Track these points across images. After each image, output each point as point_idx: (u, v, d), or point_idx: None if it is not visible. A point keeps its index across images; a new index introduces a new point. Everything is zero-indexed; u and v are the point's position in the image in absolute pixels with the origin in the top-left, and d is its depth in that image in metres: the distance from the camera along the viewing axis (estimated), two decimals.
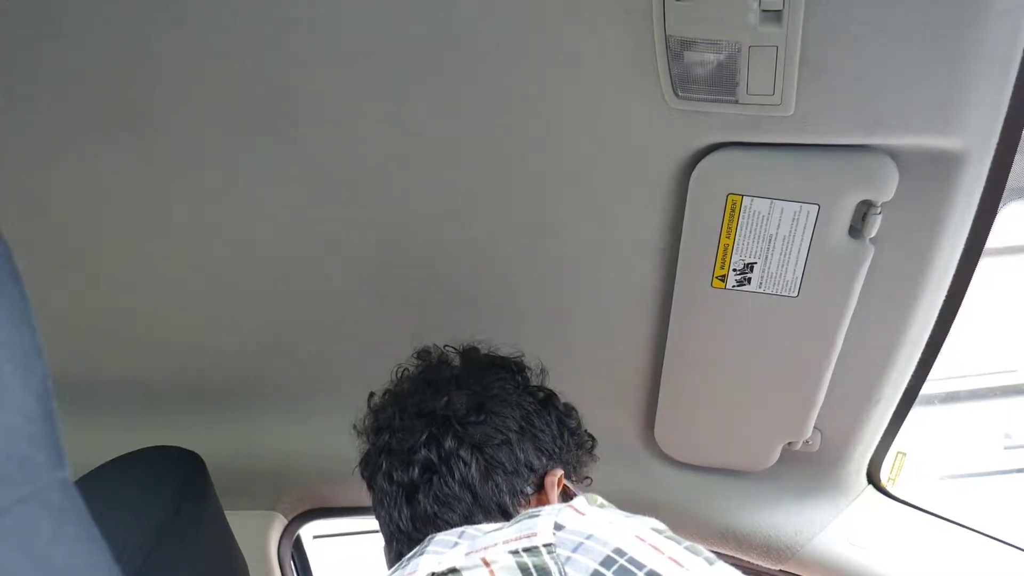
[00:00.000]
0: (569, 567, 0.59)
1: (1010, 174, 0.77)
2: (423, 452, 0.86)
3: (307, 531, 1.50)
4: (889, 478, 1.23)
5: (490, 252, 0.98)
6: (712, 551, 0.64)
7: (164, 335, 1.15)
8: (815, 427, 1.10)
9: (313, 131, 0.84)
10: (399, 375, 0.96)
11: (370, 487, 0.91)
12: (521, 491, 0.86)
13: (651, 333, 1.03)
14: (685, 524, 1.28)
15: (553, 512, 0.65)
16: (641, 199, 0.87)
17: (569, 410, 0.97)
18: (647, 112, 0.75)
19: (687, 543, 0.63)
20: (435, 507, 0.84)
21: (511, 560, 0.60)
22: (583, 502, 0.68)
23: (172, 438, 1.03)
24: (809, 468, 1.19)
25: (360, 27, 0.74)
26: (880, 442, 1.14)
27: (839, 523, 1.21)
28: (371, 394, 0.96)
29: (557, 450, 0.91)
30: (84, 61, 0.78)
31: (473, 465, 0.85)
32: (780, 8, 0.62)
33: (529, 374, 0.98)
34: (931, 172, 0.76)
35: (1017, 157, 0.75)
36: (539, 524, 0.63)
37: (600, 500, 0.70)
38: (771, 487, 1.23)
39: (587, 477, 1.01)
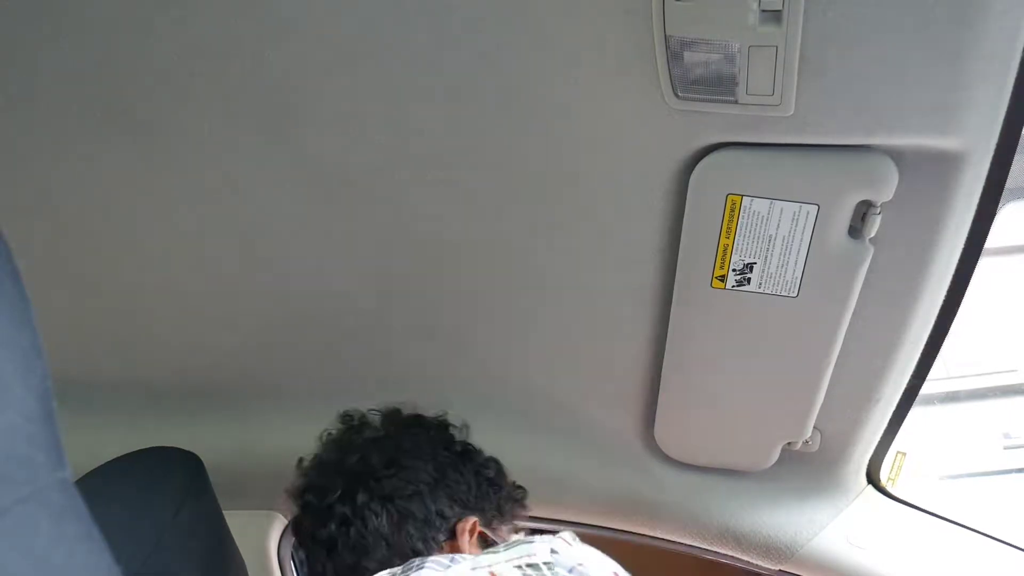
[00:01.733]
0: None
1: (1010, 174, 0.77)
2: (339, 507, 0.93)
3: None
4: (889, 478, 1.23)
5: (490, 252, 0.98)
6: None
7: (164, 335, 1.15)
8: (815, 427, 1.10)
9: (313, 131, 0.84)
10: (324, 439, 1.03)
11: (301, 546, 0.99)
12: (433, 539, 0.91)
13: (651, 333, 1.03)
14: (685, 524, 1.28)
15: (547, 540, 0.71)
16: (641, 199, 0.87)
17: (487, 461, 1.02)
18: (647, 112, 0.75)
19: None
20: (353, 557, 0.91)
21: (517, 573, 0.66)
22: (570, 536, 0.74)
23: (172, 438, 1.03)
24: (809, 468, 1.19)
25: (360, 27, 0.74)
26: (880, 442, 1.14)
27: (839, 523, 1.21)
28: (300, 459, 1.03)
29: (473, 499, 0.96)
30: (84, 61, 0.78)
31: (384, 516, 0.91)
32: (780, 8, 0.62)
33: (453, 431, 1.04)
34: (931, 172, 0.76)
35: (1017, 157, 0.75)
36: (536, 548, 0.69)
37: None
38: (771, 487, 1.23)
39: (522, 528, 1.05)
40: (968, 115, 0.70)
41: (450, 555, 0.76)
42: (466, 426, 1.07)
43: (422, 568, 0.71)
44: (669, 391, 1.09)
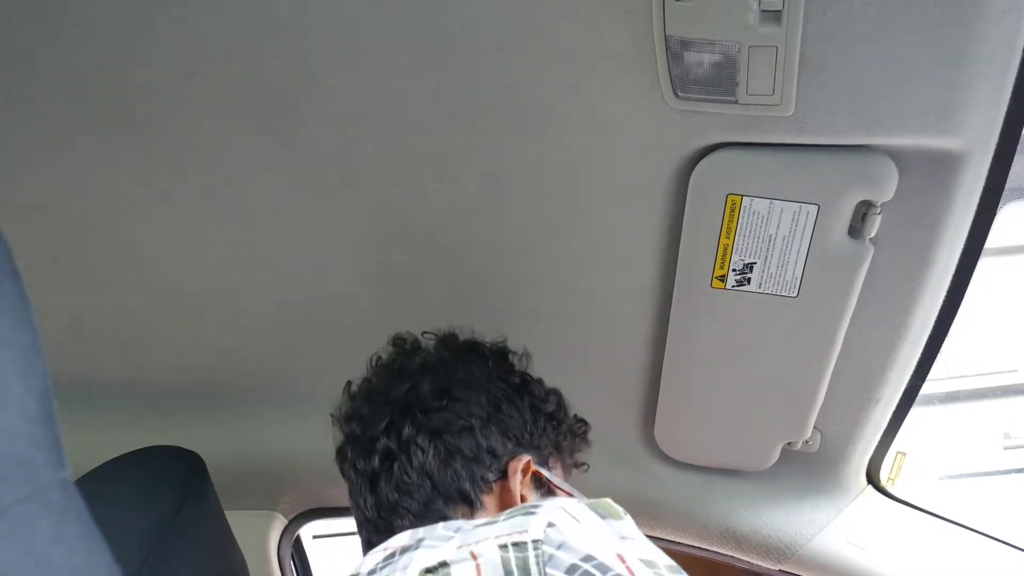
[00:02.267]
0: (550, 565, 0.59)
1: (1010, 174, 0.77)
2: (383, 440, 0.87)
3: (307, 531, 1.50)
4: (889, 478, 1.23)
5: (490, 252, 0.98)
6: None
7: (164, 335, 1.15)
8: (815, 427, 1.10)
9: (313, 131, 0.84)
10: (374, 363, 0.96)
11: (343, 476, 0.92)
12: (482, 478, 0.85)
13: (651, 333, 1.03)
14: (685, 524, 1.28)
15: (548, 510, 0.65)
16: (641, 199, 0.87)
17: (547, 394, 0.95)
18: (647, 112, 0.75)
19: (653, 566, 0.61)
20: (395, 495, 0.85)
21: (497, 555, 0.60)
22: (576, 504, 0.67)
23: (172, 438, 1.03)
24: (809, 468, 1.19)
25: (360, 27, 0.74)
26: (880, 442, 1.14)
27: (839, 523, 1.21)
28: (348, 383, 0.96)
29: (527, 436, 0.89)
30: (84, 61, 0.78)
31: (431, 452, 0.85)
32: (780, 8, 0.62)
33: (513, 359, 0.96)
34: (931, 172, 0.76)
35: (1017, 157, 0.75)
36: (532, 521, 0.63)
37: (615, 509, 0.68)
38: (771, 487, 1.23)
39: (582, 464, 0.99)
40: (968, 115, 0.70)
41: (456, 524, 0.69)
42: (527, 355, 0.98)
43: (418, 548, 0.68)
44: (669, 391, 1.09)
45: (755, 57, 0.66)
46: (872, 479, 1.22)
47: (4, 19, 0.75)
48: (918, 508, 1.22)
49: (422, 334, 0.97)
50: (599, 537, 0.62)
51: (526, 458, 0.87)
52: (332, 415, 0.95)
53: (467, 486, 0.84)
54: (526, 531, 0.62)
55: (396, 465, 0.85)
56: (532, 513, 0.64)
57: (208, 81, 0.79)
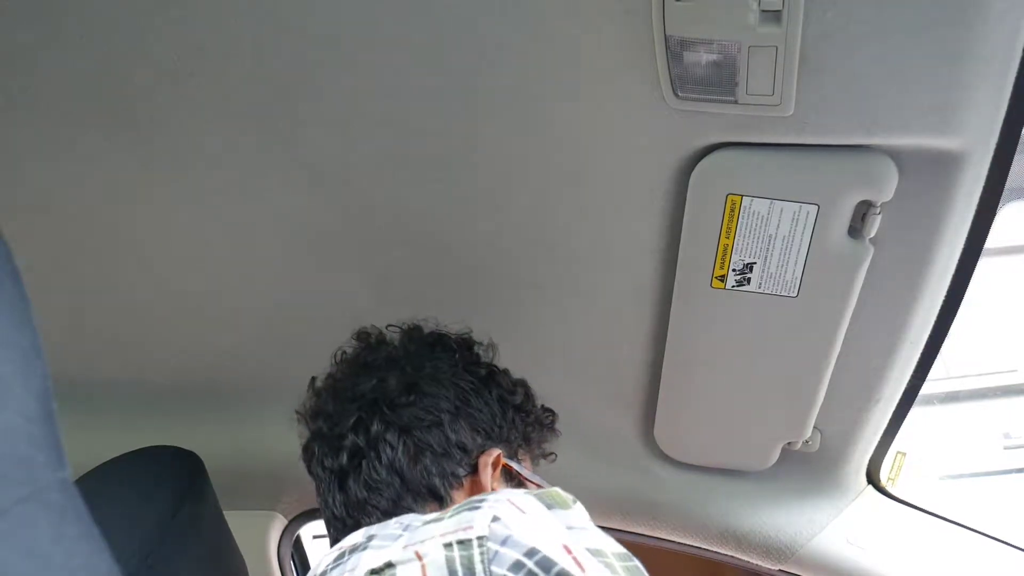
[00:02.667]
0: (495, 563, 0.58)
1: (1010, 174, 0.77)
2: (351, 437, 0.86)
3: (307, 531, 1.50)
4: (889, 478, 1.23)
5: (490, 252, 0.98)
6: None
7: (164, 335, 1.15)
8: (815, 427, 1.10)
9: (313, 131, 0.84)
10: (338, 358, 0.95)
11: (310, 473, 0.91)
12: (452, 473, 0.84)
13: (651, 333, 1.03)
14: (685, 524, 1.28)
15: (493, 504, 0.63)
16: (641, 199, 0.87)
17: (514, 386, 0.94)
18: (647, 112, 0.75)
19: (600, 554, 0.60)
20: (364, 492, 0.84)
21: (441, 554, 0.59)
22: (523, 496, 0.65)
23: (172, 438, 1.03)
24: (809, 468, 1.19)
25: (360, 27, 0.74)
26: (880, 442, 1.14)
27: (839, 523, 1.21)
28: (313, 378, 0.95)
29: (496, 429, 0.89)
30: (84, 61, 0.78)
31: (400, 448, 0.84)
32: (780, 8, 0.62)
33: (479, 350, 0.96)
34: (931, 172, 0.76)
35: (1017, 157, 0.75)
36: (476, 517, 0.61)
37: (563, 499, 0.66)
38: (771, 487, 1.23)
39: (550, 453, 0.98)
40: (968, 115, 0.70)
41: (405, 521, 0.68)
42: (492, 346, 0.97)
43: (366, 549, 0.66)
44: (669, 391, 1.09)
45: (755, 57, 0.66)
46: (872, 479, 1.22)
47: (4, 19, 0.75)
48: (918, 508, 1.22)
49: (387, 327, 0.96)
50: (544, 529, 0.61)
51: (496, 452, 0.86)
52: (297, 412, 0.94)
53: (436, 482, 0.83)
54: (471, 527, 0.61)
55: (365, 462, 0.85)
56: (477, 508, 0.63)
57: (208, 81, 0.79)
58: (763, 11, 0.63)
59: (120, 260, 1.03)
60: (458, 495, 0.84)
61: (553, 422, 0.98)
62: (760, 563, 1.28)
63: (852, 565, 1.21)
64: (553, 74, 0.75)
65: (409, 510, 0.81)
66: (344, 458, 0.86)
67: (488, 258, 0.99)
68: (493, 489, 0.84)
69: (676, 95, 0.71)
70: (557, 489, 0.67)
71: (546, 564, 0.56)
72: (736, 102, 0.71)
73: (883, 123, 0.72)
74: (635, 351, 1.07)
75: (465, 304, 1.06)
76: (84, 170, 0.90)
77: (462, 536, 0.60)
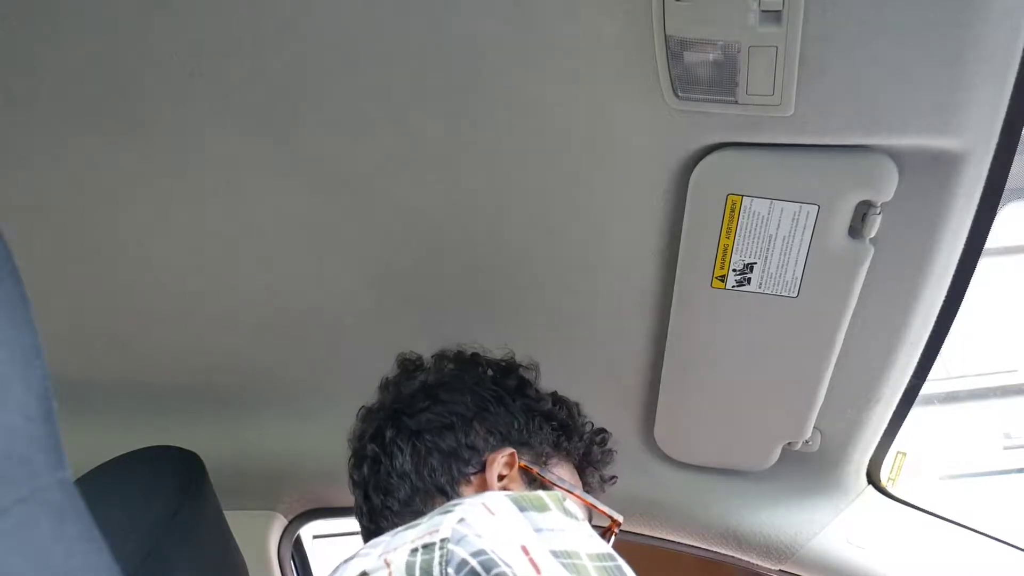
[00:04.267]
0: (451, 564, 0.57)
1: (1010, 174, 0.77)
2: (370, 446, 0.89)
3: (307, 531, 1.50)
4: (889, 478, 1.23)
5: (490, 252, 0.98)
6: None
7: (164, 335, 1.15)
8: (815, 427, 1.10)
9: (313, 131, 0.84)
10: (381, 385, 0.98)
11: (353, 495, 0.94)
12: (460, 472, 0.85)
13: (651, 333, 1.03)
14: (685, 524, 1.28)
15: (465, 507, 0.63)
16: (641, 199, 0.87)
17: (544, 396, 0.94)
18: (647, 112, 0.75)
19: (568, 556, 0.59)
20: (381, 497, 0.86)
21: (404, 560, 0.59)
22: (503, 502, 0.64)
23: (172, 438, 1.03)
24: (809, 468, 1.19)
25: (360, 27, 0.74)
26: (880, 442, 1.14)
27: (839, 523, 1.21)
28: (361, 408, 0.98)
29: (516, 433, 0.89)
30: (84, 61, 0.78)
31: (408, 451, 0.86)
32: (780, 8, 0.62)
33: (512, 370, 0.96)
34: (931, 172, 0.76)
35: (1017, 157, 0.75)
36: (445, 520, 0.61)
37: (543, 501, 0.64)
38: (771, 487, 1.23)
39: (611, 477, 0.97)
40: (968, 115, 0.70)
41: (395, 529, 0.68)
42: (534, 366, 0.97)
43: (353, 558, 0.66)
44: (669, 391, 1.09)
45: (755, 57, 0.66)
46: (872, 479, 1.22)
47: (4, 19, 0.75)
48: (918, 508, 1.22)
49: (432, 357, 0.98)
50: (506, 530, 0.60)
51: (509, 450, 0.86)
52: (348, 440, 0.97)
53: (443, 480, 0.85)
54: (437, 531, 0.60)
55: (381, 468, 0.87)
56: (449, 512, 0.63)
57: (208, 81, 0.79)
58: (763, 11, 0.63)
59: (120, 260, 1.03)
60: (467, 491, 0.85)
61: (603, 440, 0.98)
62: (760, 563, 1.28)
63: (852, 565, 1.21)
64: (553, 74, 0.75)
65: (420, 512, 0.81)
66: (365, 468, 0.89)
67: (488, 258, 0.99)
68: (506, 488, 0.84)
69: (676, 95, 0.71)
70: (539, 493, 0.66)
71: (488, 564, 0.56)
72: (736, 102, 0.71)
73: (883, 123, 0.72)
74: (635, 351, 1.07)
75: (465, 304, 1.06)
76: (84, 170, 0.90)
77: (427, 540, 0.60)
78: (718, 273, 0.89)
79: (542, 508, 0.64)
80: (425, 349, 1.12)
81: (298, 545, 1.50)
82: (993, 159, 0.75)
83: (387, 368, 0.99)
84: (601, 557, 0.60)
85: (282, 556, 1.42)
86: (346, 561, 0.67)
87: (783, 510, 1.23)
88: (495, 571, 0.56)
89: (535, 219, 0.92)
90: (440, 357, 0.97)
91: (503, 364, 0.97)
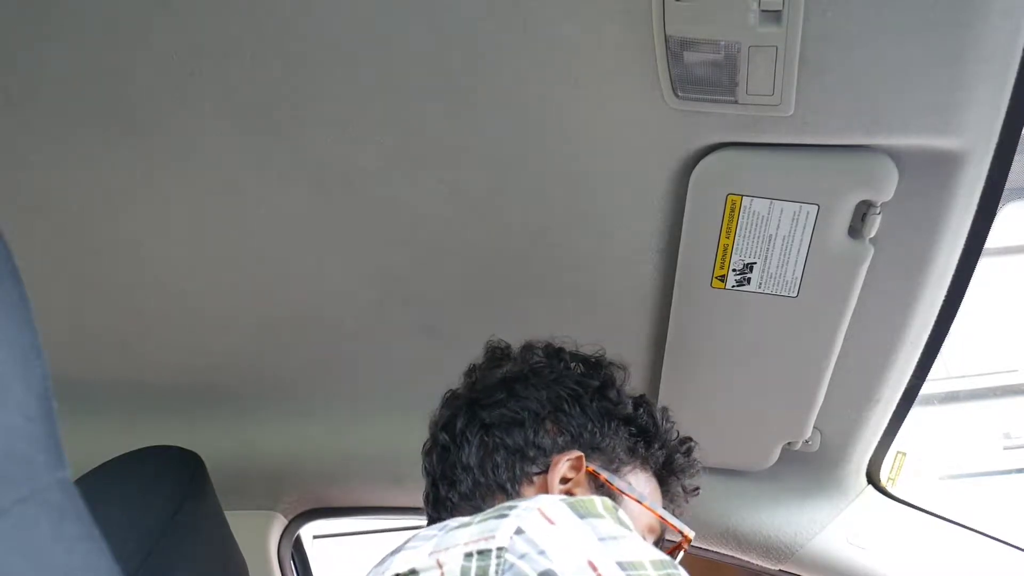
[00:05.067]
0: (510, 575, 0.56)
1: (1010, 174, 0.77)
2: (441, 435, 0.88)
3: (307, 531, 1.50)
4: (889, 478, 1.23)
5: (489, 252, 0.98)
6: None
7: (164, 335, 1.15)
8: (815, 427, 1.10)
9: (313, 131, 0.84)
10: (467, 371, 0.96)
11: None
12: (524, 472, 0.82)
13: (651, 333, 1.03)
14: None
15: (522, 515, 0.61)
16: (641, 199, 0.87)
17: (625, 400, 0.90)
18: (647, 112, 0.75)
19: (634, 567, 0.58)
20: (445, 489, 0.85)
21: (459, 565, 0.58)
22: (556, 503, 0.63)
23: (172, 438, 1.03)
24: (809, 468, 1.19)
25: (360, 27, 0.74)
26: (880, 442, 1.14)
27: (839, 523, 1.21)
28: (447, 391, 0.96)
29: (588, 435, 0.85)
30: (84, 61, 0.78)
31: (476, 444, 0.84)
32: (780, 8, 0.62)
33: (598, 368, 0.92)
34: (931, 172, 0.76)
35: (1017, 157, 0.75)
36: (501, 526, 0.60)
37: (597, 507, 0.63)
38: (771, 487, 1.23)
39: (694, 489, 0.94)
40: (968, 115, 0.70)
41: (443, 523, 0.67)
42: (624, 368, 0.93)
43: (401, 551, 0.65)
44: (669, 391, 1.09)
45: (755, 57, 0.66)
46: (872, 479, 1.22)
47: (4, 19, 0.75)
48: (918, 508, 1.22)
49: (521, 347, 0.95)
50: (571, 543, 0.59)
51: (576, 453, 0.83)
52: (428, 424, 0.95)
53: (505, 477, 0.82)
54: (493, 537, 0.59)
55: (448, 458, 0.86)
56: (504, 516, 0.61)
57: (208, 81, 0.79)
58: (763, 11, 0.63)
59: (120, 260, 1.03)
60: (528, 491, 0.82)
61: (689, 449, 0.94)
62: (760, 563, 1.28)
63: (852, 565, 1.21)
64: (553, 74, 0.75)
65: (478, 509, 0.79)
66: (435, 457, 0.88)
67: (488, 258, 0.99)
68: (570, 493, 0.81)
69: (676, 95, 0.71)
70: (593, 498, 0.65)
71: None
72: (736, 102, 0.71)
73: (883, 123, 0.72)
74: (635, 351, 1.07)
75: (465, 304, 1.06)
76: (84, 170, 0.90)
77: (483, 546, 0.59)
78: (718, 273, 0.89)
79: (597, 515, 0.63)
80: (425, 349, 1.13)
81: (298, 545, 1.50)
82: (993, 159, 0.75)
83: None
84: (664, 564, 0.59)
85: (282, 556, 1.42)
86: (393, 553, 0.66)
87: (783, 510, 1.23)
88: None
89: (535, 219, 0.92)
90: (527, 348, 0.94)
91: (592, 360, 0.93)
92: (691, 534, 0.88)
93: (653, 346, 1.05)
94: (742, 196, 0.81)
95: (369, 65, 0.77)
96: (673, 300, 0.95)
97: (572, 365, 0.92)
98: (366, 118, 0.82)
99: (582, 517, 0.62)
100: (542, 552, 0.58)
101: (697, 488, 0.96)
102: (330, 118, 0.83)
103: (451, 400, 0.93)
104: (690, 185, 0.82)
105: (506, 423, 0.85)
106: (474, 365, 0.95)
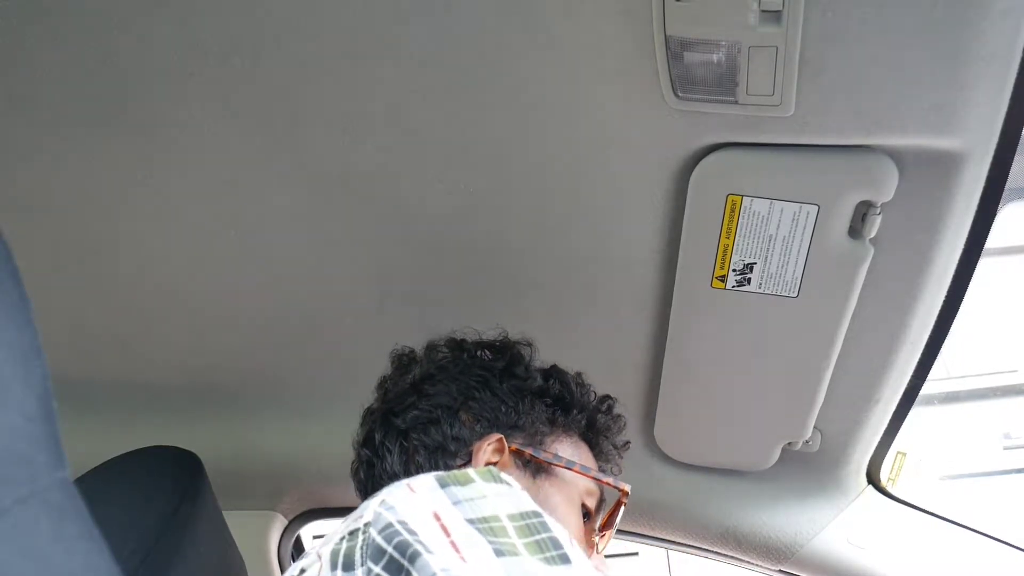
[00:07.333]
0: (371, 547, 0.56)
1: (1010, 174, 0.77)
2: (363, 452, 0.90)
3: (307, 531, 1.50)
4: (889, 478, 1.23)
5: (490, 252, 0.98)
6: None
7: (164, 335, 1.15)
8: (815, 427, 1.10)
9: (313, 131, 0.84)
10: (378, 385, 0.97)
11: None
12: (447, 466, 0.83)
13: (651, 333, 1.03)
14: (685, 524, 1.28)
15: (392, 490, 0.61)
16: (641, 199, 0.87)
17: (533, 372, 0.91)
18: (647, 112, 0.75)
19: (485, 521, 0.57)
20: None
21: (330, 550, 0.58)
22: (426, 480, 0.61)
23: (172, 438, 1.03)
24: (809, 468, 1.19)
25: (361, 27, 0.74)
26: (880, 442, 1.14)
27: (839, 523, 1.21)
28: (365, 410, 0.96)
29: (504, 416, 0.86)
30: (84, 61, 0.78)
31: (396, 451, 0.86)
32: (780, 8, 0.62)
33: (503, 351, 0.93)
34: (931, 172, 0.76)
35: (1017, 157, 0.75)
36: (370, 505, 0.60)
37: (468, 475, 0.62)
38: (771, 487, 1.23)
39: (625, 443, 0.95)
40: (968, 115, 0.70)
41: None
42: (529, 344, 0.94)
43: (309, 554, 0.65)
44: (669, 391, 1.09)
45: (755, 57, 0.66)
46: (872, 479, 1.22)
47: (4, 19, 0.75)
48: (918, 508, 1.22)
49: (424, 348, 0.96)
50: (421, 504, 0.58)
51: (496, 436, 0.84)
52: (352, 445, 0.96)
53: None
54: (362, 516, 0.59)
55: (374, 471, 0.87)
56: (374, 496, 0.61)
57: (208, 81, 0.79)
58: (763, 11, 0.63)
59: (120, 260, 1.03)
60: None
61: (609, 407, 0.95)
62: (760, 563, 1.28)
63: (852, 565, 1.21)
64: (553, 74, 0.75)
65: None
66: (362, 473, 0.89)
67: (488, 258, 0.99)
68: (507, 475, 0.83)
69: (676, 95, 0.71)
70: (468, 469, 0.64)
71: (390, 536, 0.55)
72: (736, 102, 0.71)
73: (883, 123, 0.72)
74: (635, 351, 1.07)
75: (465, 304, 1.06)
76: (84, 170, 0.90)
77: (353, 526, 0.59)
78: (718, 273, 0.89)
79: (465, 482, 0.62)
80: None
81: (298, 545, 1.50)
82: (993, 159, 0.75)
83: (387, 368, 0.99)
84: (524, 515, 0.58)
85: (282, 556, 1.42)
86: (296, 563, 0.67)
87: (783, 510, 1.23)
88: (397, 540, 0.54)
89: (535, 219, 0.92)
90: (431, 347, 0.95)
91: (496, 344, 0.94)
92: (627, 487, 0.89)
93: (653, 346, 1.05)
94: (742, 196, 0.81)
95: (369, 65, 0.77)
96: (673, 300, 0.95)
97: (477, 353, 0.93)
98: (367, 118, 0.82)
99: (443, 486, 0.61)
100: (391, 508, 0.57)
101: (627, 442, 0.97)
102: (330, 118, 0.83)
103: (367, 416, 0.93)
104: (690, 185, 0.82)
105: (421, 424, 0.86)
106: (384, 377, 0.96)
